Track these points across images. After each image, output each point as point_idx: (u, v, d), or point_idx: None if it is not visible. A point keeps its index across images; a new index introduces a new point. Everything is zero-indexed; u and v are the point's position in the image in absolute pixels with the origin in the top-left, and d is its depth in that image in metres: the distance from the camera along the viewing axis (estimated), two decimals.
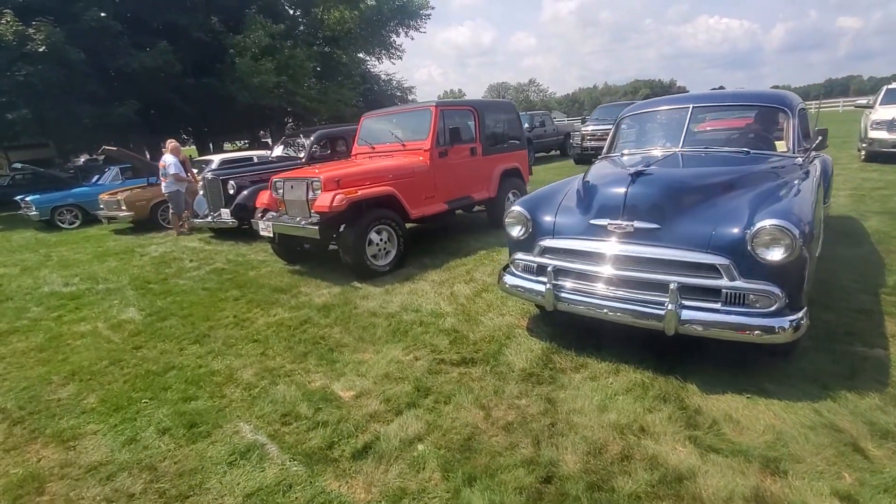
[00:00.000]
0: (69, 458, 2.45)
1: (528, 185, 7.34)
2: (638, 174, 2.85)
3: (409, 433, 2.39)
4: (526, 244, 3.27)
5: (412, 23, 26.38)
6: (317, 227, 4.76)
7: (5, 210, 15.02)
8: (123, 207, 9.41)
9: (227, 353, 3.50)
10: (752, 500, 1.86)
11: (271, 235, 5.32)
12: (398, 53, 27.32)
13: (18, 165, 15.62)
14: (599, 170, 3.69)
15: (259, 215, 5.76)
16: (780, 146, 3.51)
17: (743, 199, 2.77)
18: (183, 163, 8.86)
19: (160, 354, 3.61)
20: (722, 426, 2.29)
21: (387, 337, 3.55)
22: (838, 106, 32.15)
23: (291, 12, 24.28)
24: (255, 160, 9.78)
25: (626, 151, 3.98)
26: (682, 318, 2.50)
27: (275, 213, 5.59)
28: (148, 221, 9.66)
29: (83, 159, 24.84)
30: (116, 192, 9.87)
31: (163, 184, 8.45)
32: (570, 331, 3.32)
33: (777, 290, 2.40)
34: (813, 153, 3.65)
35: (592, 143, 14.69)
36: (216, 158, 10.28)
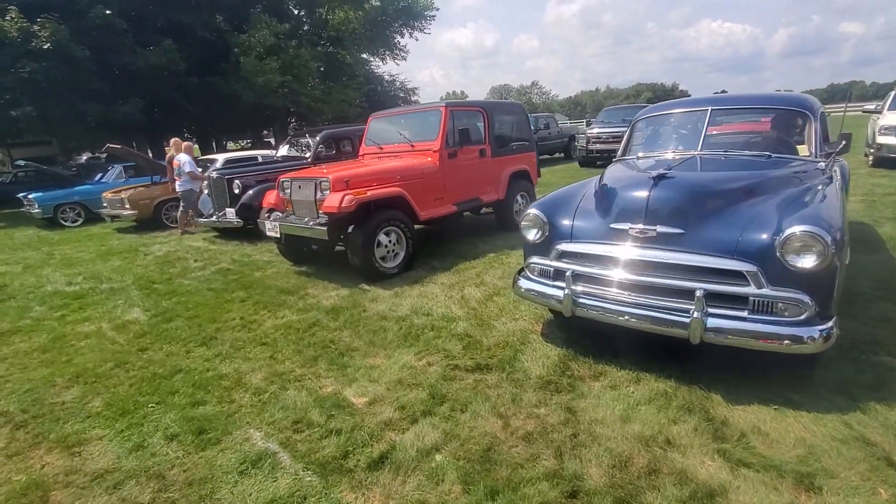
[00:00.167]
0: (74, 465, 2.38)
1: (536, 188, 7.28)
2: (660, 177, 2.78)
3: (426, 443, 2.31)
4: (542, 248, 3.19)
5: (416, 24, 26.37)
6: (325, 228, 4.69)
7: (7, 207, 14.97)
8: (127, 206, 9.34)
9: (234, 357, 3.43)
10: None
11: (278, 236, 5.25)
12: (402, 54, 27.32)
13: (21, 163, 15.55)
14: (616, 173, 3.62)
15: (264, 215, 5.69)
16: (802, 150, 3.44)
17: (768, 204, 2.70)
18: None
19: (166, 357, 3.53)
20: (751, 439, 2.21)
21: (398, 341, 3.48)
22: (840, 111, 32.04)
23: (296, 12, 24.25)
24: (260, 160, 9.74)
25: (641, 154, 3.91)
26: (707, 326, 2.42)
27: (280, 214, 5.53)
28: (151, 220, 9.59)
29: (85, 157, 24.84)
30: (120, 191, 9.81)
31: (176, 182, 8.40)
32: (586, 337, 3.25)
33: (807, 299, 2.32)
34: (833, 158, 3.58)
35: (598, 145, 14.64)
36: (220, 158, 10.23)
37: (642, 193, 2.76)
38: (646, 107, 16.45)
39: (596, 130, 14.91)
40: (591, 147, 14.73)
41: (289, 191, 5.34)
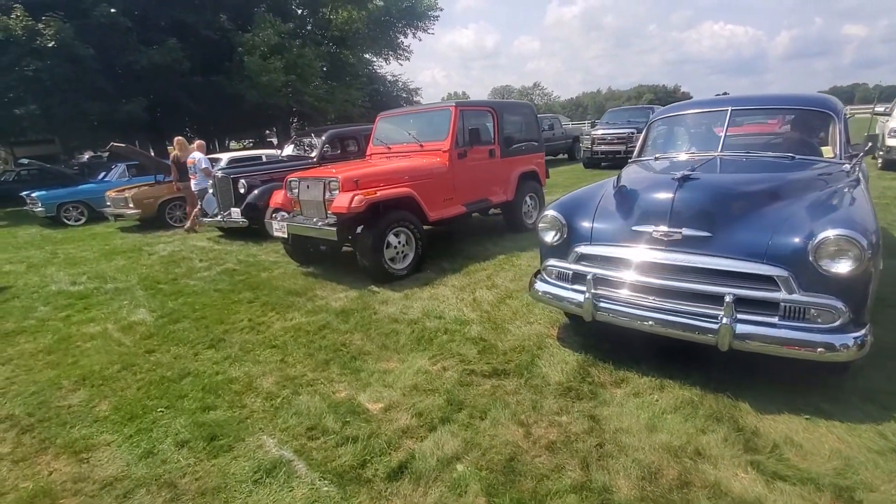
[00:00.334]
0: (82, 472, 2.30)
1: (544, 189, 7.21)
2: (684, 179, 2.70)
3: (447, 451, 2.23)
4: (560, 250, 3.12)
5: (420, 24, 26.31)
6: (334, 229, 4.61)
7: (10, 206, 14.91)
8: (131, 205, 9.28)
9: (244, 360, 3.35)
10: None
11: (286, 236, 5.18)
12: (406, 54, 27.26)
13: (25, 161, 15.49)
14: (634, 174, 3.54)
15: (270, 215, 5.62)
16: (826, 152, 3.36)
17: (797, 207, 2.62)
18: None
19: (174, 359, 3.46)
20: (783, 450, 2.14)
21: (411, 345, 3.40)
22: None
23: (299, 12, 24.20)
24: (264, 159, 9.68)
25: (658, 155, 3.84)
26: (736, 332, 2.35)
27: (285, 213, 5.46)
28: (155, 220, 9.53)
29: (87, 156, 24.78)
30: (124, 190, 9.75)
31: (192, 181, 8.35)
32: (604, 342, 3.17)
33: (840, 305, 2.24)
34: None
35: (602, 146, 14.56)
36: (224, 157, 10.17)
37: (666, 195, 2.68)
38: (651, 108, 16.34)
39: (601, 132, 14.82)
40: (595, 148, 14.64)
41: (297, 190, 5.26)
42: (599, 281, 2.83)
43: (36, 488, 2.21)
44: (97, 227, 10.48)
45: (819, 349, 2.24)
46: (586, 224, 3.03)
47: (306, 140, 9.10)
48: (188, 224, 8.77)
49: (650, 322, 2.58)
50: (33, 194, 11.11)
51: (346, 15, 22.48)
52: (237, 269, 5.88)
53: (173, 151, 8.95)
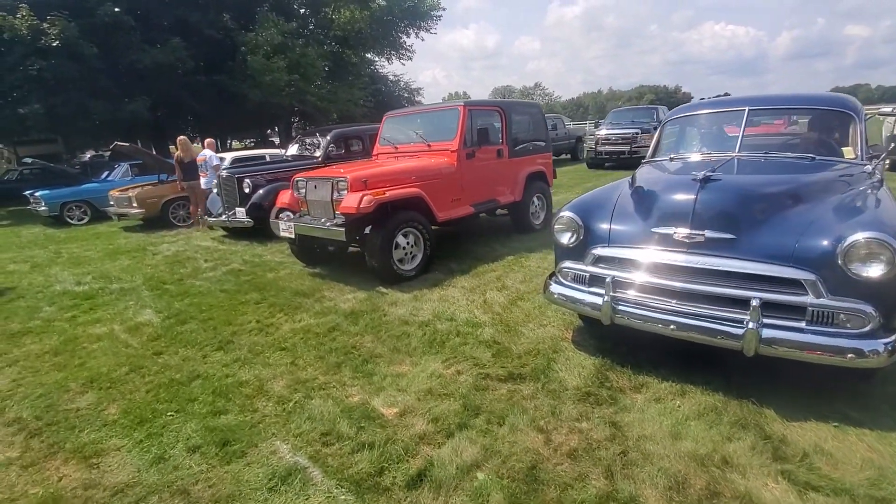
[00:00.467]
0: (93, 478, 2.25)
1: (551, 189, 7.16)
2: (706, 179, 2.64)
3: (466, 459, 2.17)
4: (576, 252, 3.06)
5: (423, 24, 26.22)
6: (343, 229, 4.56)
7: (13, 205, 14.88)
8: (134, 204, 9.23)
9: (254, 362, 3.30)
10: None
11: (293, 236, 5.12)
12: (408, 54, 27.18)
13: (29, 160, 15.45)
14: (649, 175, 3.48)
15: (275, 215, 5.56)
16: (847, 152, 3.30)
17: (822, 209, 2.57)
18: (195, 161, 8.70)
19: (183, 361, 3.40)
20: (813, 459, 2.08)
21: (423, 348, 3.34)
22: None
23: (301, 11, 24.15)
24: (268, 159, 9.63)
25: (673, 156, 3.77)
26: (762, 337, 2.29)
27: (290, 213, 5.41)
28: (158, 219, 9.48)
29: (89, 155, 24.75)
30: (127, 189, 9.71)
31: (202, 179, 8.32)
32: (621, 345, 3.11)
33: (870, 310, 2.18)
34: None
35: (607, 147, 14.49)
36: (228, 156, 10.12)
37: (688, 196, 2.62)
38: (655, 108, 16.24)
39: (605, 132, 14.75)
40: (599, 148, 14.57)
41: (304, 190, 5.21)
42: (618, 283, 2.77)
43: (46, 495, 2.16)
44: (100, 227, 10.44)
45: (848, 355, 2.18)
46: (603, 226, 2.97)
47: (311, 140, 9.05)
48: (193, 221, 8.80)
49: (672, 326, 2.52)
50: (37, 193, 11.07)
51: (348, 14, 22.39)
52: (243, 269, 5.82)
53: (177, 152, 8.90)
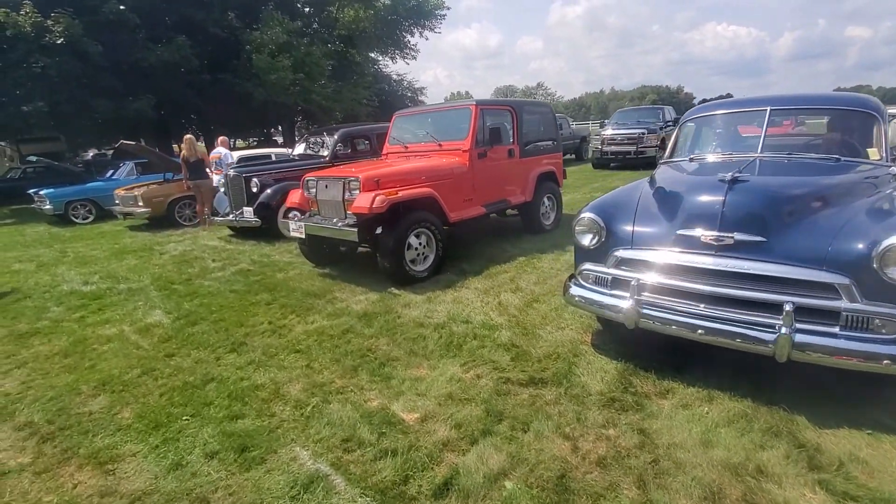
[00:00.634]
0: (109, 485, 2.19)
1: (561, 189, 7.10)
2: (734, 181, 2.58)
3: (492, 467, 2.12)
4: (597, 254, 3.00)
5: (427, 23, 26.15)
6: (355, 229, 4.50)
7: (16, 203, 14.85)
8: (140, 203, 9.18)
9: (268, 365, 3.24)
10: None
11: (303, 237, 5.07)
12: (412, 53, 27.12)
13: (34, 158, 15.40)
14: (670, 175, 3.44)
15: (283, 215, 5.51)
16: (872, 154, 3.24)
17: (852, 211, 2.51)
18: (202, 160, 8.66)
19: (195, 364, 3.35)
20: (849, 468, 2.02)
21: (440, 351, 3.29)
22: None
23: (305, 10, 24.08)
24: (273, 158, 9.59)
25: (693, 156, 3.72)
26: (795, 342, 2.23)
27: (298, 213, 5.35)
28: (164, 218, 9.43)
29: (91, 154, 24.72)
30: (133, 188, 9.66)
31: (216, 177, 8.29)
32: (643, 349, 3.05)
33: None
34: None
35: (613, 147, 14.43)
36: (234, 155, 10.07)
37: (716, 198, 2.56)
38: (661, 108, 16.14)
39: (610, 132, 14.69)
40: (605, 149, 14.51)
41: (314, 190, 5.16)
42: (642, 286, 2.72)
43: (60, 502, 2.11)
44: (105, 226, 10.40)
45: (884, 361, 2.13)
46: (626, 227, 2.91)
47: (318, 139, 9.00)
48: (199, 220, 8.77)
49: (700, 330, 2.47)
50: (41, 192, 11.03)
51: (352, 14, 22.33)
52: (251, 269, 5.77)
53: (183, 150, 8.85)
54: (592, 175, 13.53)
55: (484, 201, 5.66)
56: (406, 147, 6.05)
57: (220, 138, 8.87)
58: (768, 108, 3.50)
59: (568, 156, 18.65)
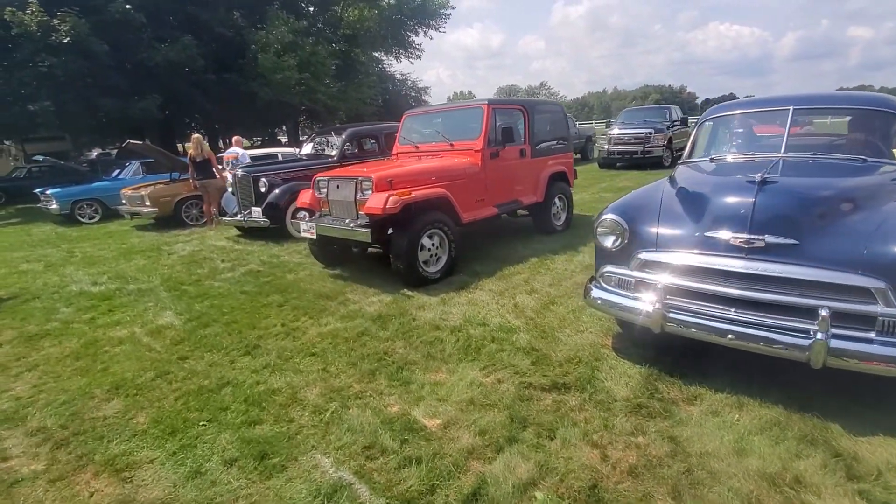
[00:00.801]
0: (126, 494, 2.14)
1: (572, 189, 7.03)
2: (763, 182, 2.52)
3: (520, 476, 2.06)
4: (620, 256, 2.94)
5: (431, 22, 26.13)
6: (368, 230, 4.45)
7: (21, 203, 14.86)
8: (147, 203, 9.16)
9: (284, 368, 3.19)
10: None
11: (314, 237, 5.01)
12: (417, 53, 27.10)
13: (40, 158, 15.41)
14: (692, 176, 3.37)
15: (293, 215, 5.45)
16: None
17: (884, 213, 2.45)
18: (209, 159, 8.62)
19: (210, 367, 3.30)
20: (888, 477, 1.96)
21: (458, 355, 3.23)
22: None
23: (310, 10, 24.06)
24: (280, 157, 9.54)
25: (714, 156, 3.65)
26: (831, 348, 2.16)
27: (306, 213, 5.30)
28: (171, 218, 9.40)
29: (95, 153, 24.73)
30: (140, 187, 9.63)
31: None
32: (667, 353, 2.99)
33: None
34: None
35: (619, 146, 14.34)
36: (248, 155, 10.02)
37: (746, 199, 2.50)
38: (668, 107, 16.02)
39: (617, 132, 14.59)
40: (612, 148, 14.42)
41: (325, 190, 5.11)
42: (668, 290, 2.65)
43: None
44: (111, 226, 10.38)
45: None
46: (650, 229, 2.85)
47: (325, 138, 8.95)
48: (206, 220, 8.76)
49: (730, 335, 2.40)
50: (48, 191, 11.03)
51: (357, 13, 22.31)
52: (261, 270, 5.73)
53: (190, 150, 8.82)
54: (599, 175, 13.45)
55: (496, 202, 5.60)
56: (417, 147, 5.99)
57: (235, 138, 8.86)
58: (791, 108, 3.43)
59: (574, 155, 18.57)
